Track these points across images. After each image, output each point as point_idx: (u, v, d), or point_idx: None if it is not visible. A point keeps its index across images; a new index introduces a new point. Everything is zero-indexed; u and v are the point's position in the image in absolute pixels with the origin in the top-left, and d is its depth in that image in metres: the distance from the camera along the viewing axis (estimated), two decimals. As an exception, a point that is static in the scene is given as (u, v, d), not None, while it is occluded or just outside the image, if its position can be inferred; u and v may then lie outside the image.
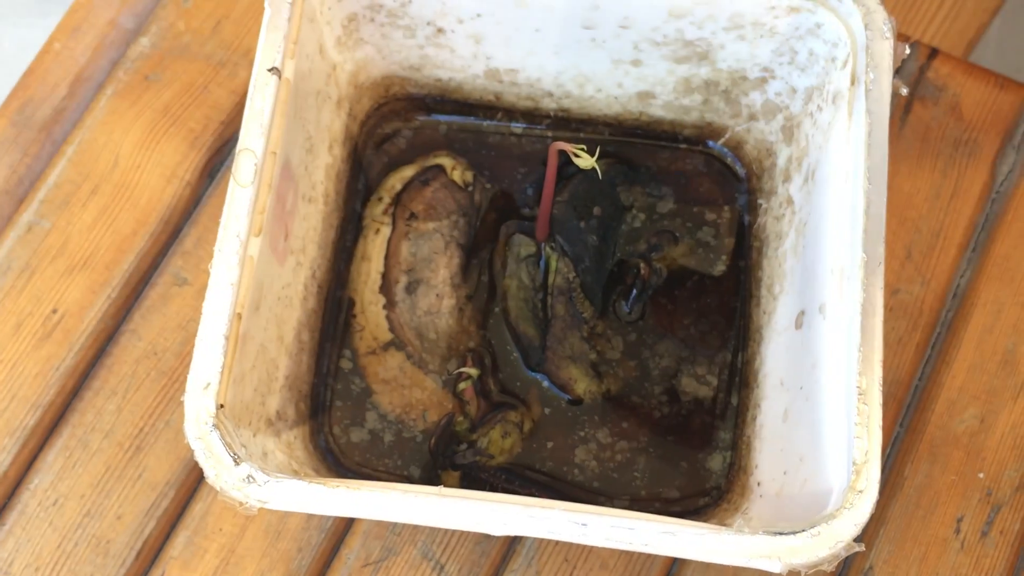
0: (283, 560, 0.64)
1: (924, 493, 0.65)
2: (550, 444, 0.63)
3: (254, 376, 0.54)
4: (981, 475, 0.66)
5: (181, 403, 0.65)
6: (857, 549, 0.48)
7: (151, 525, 0.64)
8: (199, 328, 0.50)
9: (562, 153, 0.58)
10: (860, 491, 0.48)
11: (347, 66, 0.64)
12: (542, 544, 0.64)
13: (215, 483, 0.48)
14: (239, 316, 0.51)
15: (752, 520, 0.57)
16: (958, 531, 0.65)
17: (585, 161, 0.54)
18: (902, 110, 0.72)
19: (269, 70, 0.53)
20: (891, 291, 0.69)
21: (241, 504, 0.48)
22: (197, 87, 0.71)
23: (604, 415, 0.64)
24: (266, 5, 0.54)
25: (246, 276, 0.51)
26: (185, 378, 0.65)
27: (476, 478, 0.62)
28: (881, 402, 0.50)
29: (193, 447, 0.48)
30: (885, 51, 0.55)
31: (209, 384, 0.49)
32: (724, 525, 0.58)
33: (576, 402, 0.63)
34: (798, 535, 0.48)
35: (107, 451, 0.65)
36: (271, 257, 0.55)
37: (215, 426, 0.48)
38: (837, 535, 0.48)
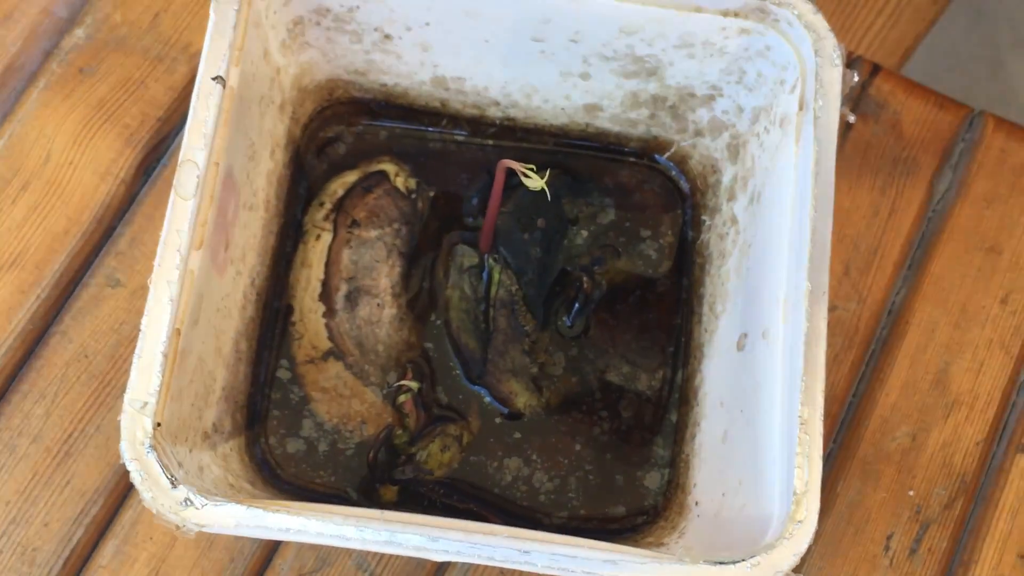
0: (215, 570, 0.63)
1: (855, 510, 0.66)
2: (489, 458, 0.63)
3: (191, 391, 0.53)
4: (911, 493, 0.67)
5: (112, 408, 0.64)
6: (796, 580, 0.48)
7: (79, 533, 0.63)
8: (137, 346, 0.48)
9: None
10: (800, 521, 0.49)
11: (291, 69, 0.62)
12: (478, 556, 0.64)
13: (151, 506, 0.47)
14: (178, 332, 0.50)
15: (688, 540, 0.57)
16: (888, 548, 0.66)
17: (534, 182, 0.54)
18: (843, 126, 0.73)
19: (213, 79, 0.52)
20: (828, 308, 0.69)
21: (178, 528, 0.47)
22: (134, 82, 0.69)
23: (544, 430, 0.63)
24: (212, 11, 0.53)
25: (186, 291, 0.50)
26: (117, 381, 0.64)
27: (415, 492, 0.61)
28: (822, 432, 0.50)
29: (129, 468, 0.47)
30: (834, 79, 0.55)
31: (146, 403, 0.48)
32: (660, 543, 0.59)
33: (516, 416, 0.63)
34: (738, 564, 0.48)
35: (34, 456, 0.63)
36: (211, 269, 0.53)
37: (152, 447, 0.47)
38: (776, 565, 0.48)
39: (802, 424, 0.50)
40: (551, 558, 0.47)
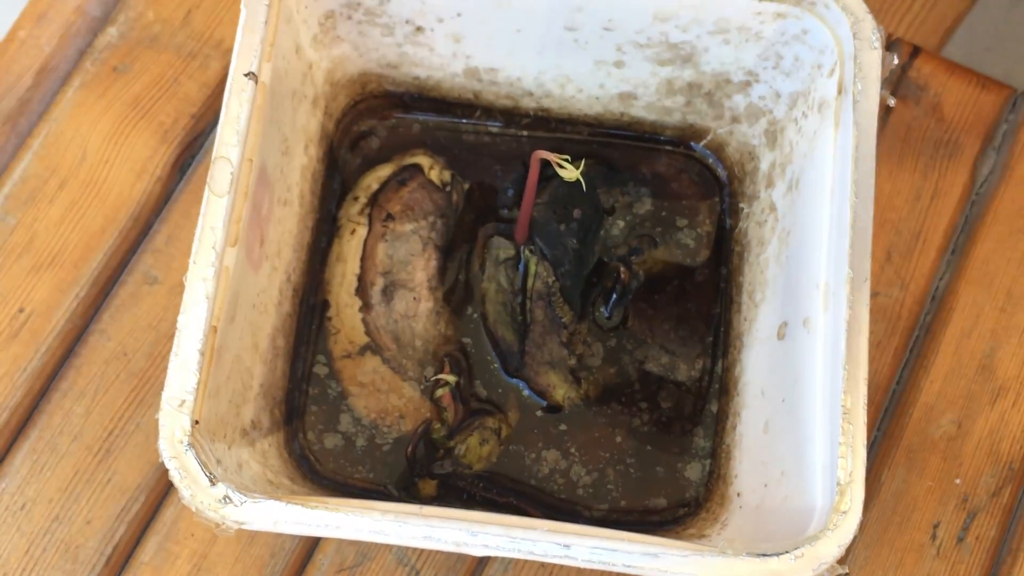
0: (256, 566, 0.63)
1: (901, 499, 0.65)
2: (528, 451, 0.62)
3: (229, 387, 0.53)
4: (958, 481, 0.66)
5: (152, 406, 0.64)
6: (840, 572, 0.47)
7: (121, 530, 0.63)
8: (174, 344, 0.48)
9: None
10: (844, 512, 0.48)
11: (323, 64, 0.62)
12: (519, 550, 0.63)
13: (190, 504, 0.47)
14: (214, 329, 0.50)
15: (730, 531, 0.57)
16: (934, 537, 0.65)
17: (569, 173, 0.53)
18: (883, 110, 0.71)
19: (246, 75, 0.52)
20: (870, 294, 0.68)
21: (217, 526, 0.47)
22: (167, 79, 0.69)
23: (583, 422, 0.63)
24: (242, 7, 0.53)
25: (222, 288, 0.50)
26: (156, 379, 0.64)
27: (454, 486, 0.61)
28: (865, 421, 0.49)
29: (168, 466, 0.47)
30: (873, 61, 0.54)
31: (184, 401, 0.48)
32: (702, 535, 0.58)
33: (555, 409, 0.63)
34: (781, 557, 0.47)
35: (76, 454, 0.63)
36: (247, 265, 0.53)
37: (190, 444, 0.47)
38: (820, 557, 0.47)
39: (845, 413, 0.49)
40: (591, 552, 0.47)
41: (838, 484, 0.48)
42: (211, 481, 0.47)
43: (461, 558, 0.63)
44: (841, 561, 0.48)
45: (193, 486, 0.47)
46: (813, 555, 0.47)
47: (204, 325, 0.49)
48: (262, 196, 0.55)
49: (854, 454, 0.49)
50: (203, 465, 0.47)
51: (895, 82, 0.72)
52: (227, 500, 0.47)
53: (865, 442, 0.49)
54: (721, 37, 0.59)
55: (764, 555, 0.47)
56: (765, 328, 0.60)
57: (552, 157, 0.54)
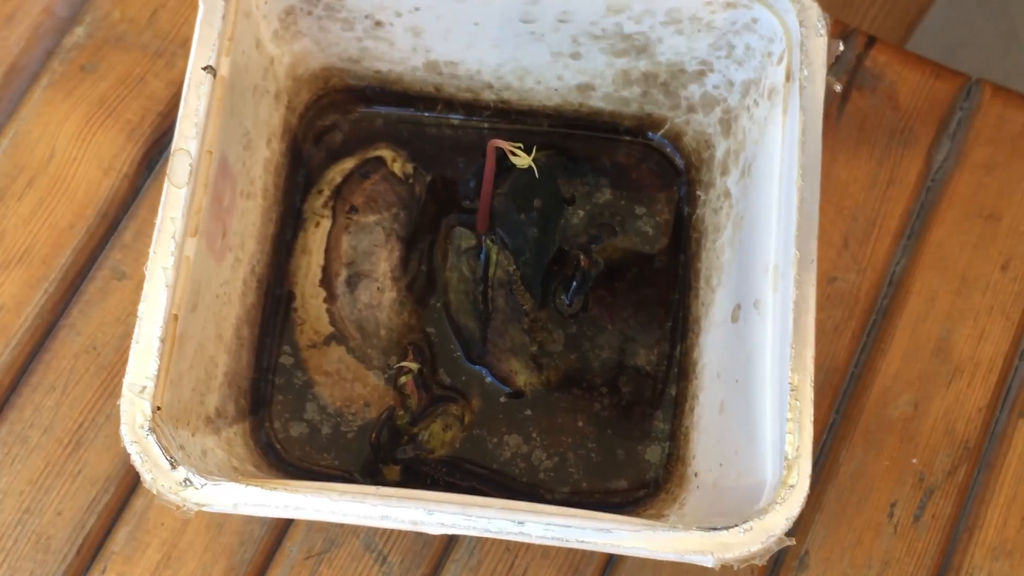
0: (225, 554, 0.64)
1: (859, 479, 0.66)
2: (491, 436, 0.63)
3: (192, 376, 0.54)
4: (914, 460, 0.67)
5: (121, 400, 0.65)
6: (788, 543, 0.49)
7: (92, 521, 0.64)
8: (134, 331, 0.49)
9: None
10: (791, 486, 0.49)
11: (285, 59, 0.63)
12: (484, 534, 0.64)
13: (152, 487, 0.48)
14: (175, 317, 0.51)
15: (687, 510, 0.58)
16: (892, 516, 0.66)
17: (522, 160, 0.54)
18: (839, 99, 0.73)
19: (204, 68, 0.53)
20: (828, 279, 0.70)
21: (178, 508, 0.48)
22: (134, 78, 0.70)
23: (545, 407, 0.64)
24: (200, 2, 0.54)
25: (182, 277, 0.51)
26: (125, 373, 0.65)
27: (417, 471, 0.62)
28: (812, 398, 0.51)
29: (129, 451, 0.48)
30: (819, 48, 0.55)
31: (145, 387, 0.49)
32: (661, 515, 0.59)
33: (517, 395, 0.64)
34: (730, 530, 0.48)
35: (46, 447, 0.64)
36: (208, 256, 0.54)
37: (151, 429, 0.48)
38: (768, 529, 0.49)
39: (792, 390, 0.51)
40: (545, 528, 0.48)
41: (786, 459, 0.50)
42: (172, 465, 0.48)
43: (427, 543, 0.64)
44: (789, 534, 0.49)
45: (154, 470, 0.48)
46: (761, 528, 0.48)
47: (164, 313, 0.50)
48: (223, 188, 0.56)
49: (801, 430, 0.50)
50: (164, 449, 0.48)
51: (851, 71, 0.73)
52: (188, 483, 0.48)
53: (812, 418, 0.50)
54: (674, 27, 0.60)
55: (714, 528, 0.48)
56: (721, 312, 0.61)
57: (506, 145, 0.56)
